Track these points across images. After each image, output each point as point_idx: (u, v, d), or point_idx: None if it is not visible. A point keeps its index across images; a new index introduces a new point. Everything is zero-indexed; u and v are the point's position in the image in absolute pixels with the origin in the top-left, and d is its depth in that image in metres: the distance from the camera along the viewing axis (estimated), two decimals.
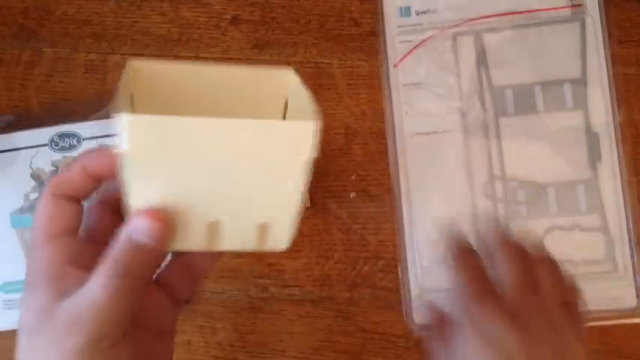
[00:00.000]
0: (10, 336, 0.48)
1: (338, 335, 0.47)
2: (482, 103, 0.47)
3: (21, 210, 0.48)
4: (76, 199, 0.30)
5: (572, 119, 0.47)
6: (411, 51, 0.48)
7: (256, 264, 0.48)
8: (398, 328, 0.47)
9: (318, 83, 0.49)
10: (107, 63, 0.51)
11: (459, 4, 0.49)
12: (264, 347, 0.47)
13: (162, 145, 0.25)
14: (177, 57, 0.51)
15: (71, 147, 0.48)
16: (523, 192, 0.46)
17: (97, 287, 0.26)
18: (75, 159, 0.30)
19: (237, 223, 0.28)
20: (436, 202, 0.47)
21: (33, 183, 0.48)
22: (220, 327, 0.47)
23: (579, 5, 0.48)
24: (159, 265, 0.31)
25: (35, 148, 0.48)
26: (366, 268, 0.48)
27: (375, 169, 0.49)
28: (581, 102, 0.47)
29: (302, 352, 0.47)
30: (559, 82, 0.47)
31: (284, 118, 0.32)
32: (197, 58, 0.51)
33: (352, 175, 0.49)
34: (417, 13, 0.49)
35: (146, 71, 0.30)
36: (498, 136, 0.47)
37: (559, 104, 0.47)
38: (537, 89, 0.47)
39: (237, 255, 0.48)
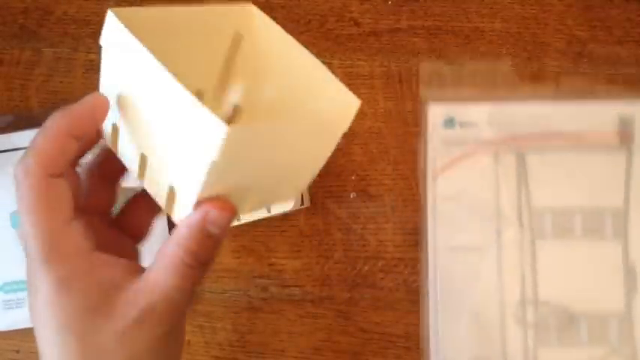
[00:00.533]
0: (10, 336, 0.48)
1: (338, 335, 0.47)
2: (520, 223, 0.45)
3: None
4: (71, 172, 0.28)
5: (611, 250, 0.45)
6: (451, 163, 0.46)
7: (256, 264, 0.48)
8: (398, 328, 0.47)
9: None
10: None
11: (505, 120, 0.47)
12: (264, 347, 0.47)
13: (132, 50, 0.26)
14: None
15: None
16: (555, 318, 0.44)
17: (170, 278, 0.26)
18: (54, 119, 0.27)
19: (156, 171, 0.28)
20: (465, 321, 0.45)
21: None
22: (220, 327, 0.47)
23: (628, 134, 0.46)
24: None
25: None
26: (366, 268, 0.48)
27: (375, 169, 0.49)
28: (621, 233, 0.45)
29: (302, 352, 0.47)
30: (600, 210, 0.45)
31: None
32: None
33: (352, 175, 0.49)
34: (461, 126, 0.47)
35: (125, 19, 0.29)
36: (534, 258, 0.45)
37: (598, 233, 0.45)
38: (577, 215, 0.45)
39: (238, 255, 0.48)
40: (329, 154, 0.32)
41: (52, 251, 0.26)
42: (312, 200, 0.48)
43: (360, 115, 0.50)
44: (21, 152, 0.48)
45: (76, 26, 0.52)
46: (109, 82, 0.29)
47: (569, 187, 0.46)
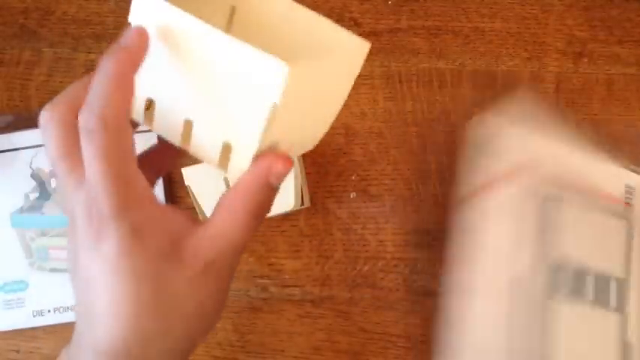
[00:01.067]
0: (10, 336, 0.48)
1: (338, 335, 0.47)
2: (535, 275, 0.43)
3: (21, 210, 0.48)
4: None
5: (611, 321, 0.43)
6: (475, 192, 0.44)
7: (256, 264, 0.48)
8: (398, 328, 0.47)
9: None
10: None
11: (537, 155, 0.45)
12: (264, 347, 0.47)
13: (164, 33, 0.26)
14: None
15: None
16: None
17: (237, 227, 0.27)
18: (110, 64, 0.26)
19: (205, 132, 0.28)
20: None
21: (33, 183, 0.48)
22: (220, 327, 0.47)
23: (629, 205, 0.44)
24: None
25: (35, 148, 0.48)
26: (366, 268, 0.48)
27: (375, 169, 0.49)
28: (621, 305, 0.43)
29: (302, 352, 0.47)
30: (607, 277, 0.43)
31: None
32: None
33: (352, 175, 0.49)
34: (495, 154, 0.44)
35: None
36: (544, 318, 0.43)
37: (605, 301, 0.43)
38: (589, 278, 0.43)
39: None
40: (347, 96, 0.33)
41: (128, 198, 0.25)
42: (312, 200, 0.48)
43: (360, 115, 0.50)
44: (21, 152, 0.48)
45: (76, 26, 0.52)
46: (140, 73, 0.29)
47: (586, 247, 0.44)
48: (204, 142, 0.28)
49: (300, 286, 0.48)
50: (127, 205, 0.25)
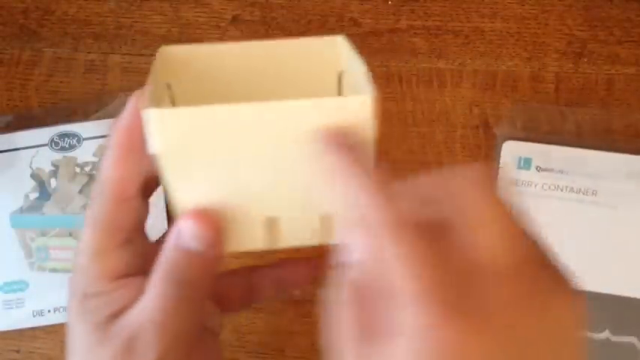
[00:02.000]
0: (10, 336, 0.48)
1: None
2: None
3: (21, 210, 0.48)
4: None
5: None
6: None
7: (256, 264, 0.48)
8: None
9: None
10: (107, 63, 0.51)
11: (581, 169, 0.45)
12: (264, 347, 0.47)
13: (201, 139, 0.23)
14: None
15: (71, 147, 0.48)
16: None
17: (154, 298, 0.24)
18: (115, 135, 0.25)
19: (297, 218, 0.26)
20: None
21: (33, 183, 0.48)
22: None
23: None
24: (216, 271, 0.27)
25: (35, 148, 0.48)
26: None
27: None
28: None
29: (302, 352, 0.47)
30: None
31: (339, 93, 0.29)
32: None
33: None
34: (539, 169, 0.45)
35: (181, 57, 0.27)
36: None
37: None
38: None
39: (238, 255, 0.48)
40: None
41: (90, 270, 0.26)
42: None
43: None
44: (21, 152, 0.48)
45: (76, 26, 0.52)
46: (186, 186, 0.24)
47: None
48: (295, 228, 0.26)
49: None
50: (83, 275, 0.26)
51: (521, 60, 0.50)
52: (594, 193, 0.46)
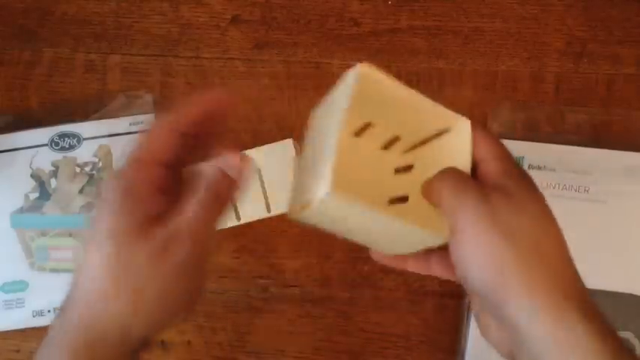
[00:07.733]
0: (10, 336, 0.48)
1: (338, 335, 0.47)
2: None
3: (21, 210, 0.48)
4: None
5: None
6: None
7: (256, 264, 0.48)
8: (398, 328, 0.47)
9: (318, 83, 0.49)
10: (107, 63, 0.51)
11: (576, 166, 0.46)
12: (264, 347, 0.47)
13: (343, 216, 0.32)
14: (177, 57, 0.51)
15: (71, 147, 0.48)
16: None
17: (192, 208, 0.29)
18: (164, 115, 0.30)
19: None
20: None
21: (33, 183, 0.48)
22: (220, 327, 0.47)
23: None
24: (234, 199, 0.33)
25: (35, 148, 0.48)
26: (366, 268, 0.48)
27: None
28: None
29: (302, 352, 0.47)
30: None
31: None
32: (197, 58, 0.51)
33: None
34: (531, 168, 0.46)
35: (371, 81, 0.32)
36: None
37: None
38: None
39: (238, 255, 0.48)
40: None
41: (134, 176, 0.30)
42: None
43: None
44: (21, 152, 0.48)
45: (76, 26, 0.52)
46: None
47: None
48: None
49: (300, 286, 0.48)
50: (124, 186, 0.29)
51: (521, 60, 0.50)
52: (586, 190, 0.46)
